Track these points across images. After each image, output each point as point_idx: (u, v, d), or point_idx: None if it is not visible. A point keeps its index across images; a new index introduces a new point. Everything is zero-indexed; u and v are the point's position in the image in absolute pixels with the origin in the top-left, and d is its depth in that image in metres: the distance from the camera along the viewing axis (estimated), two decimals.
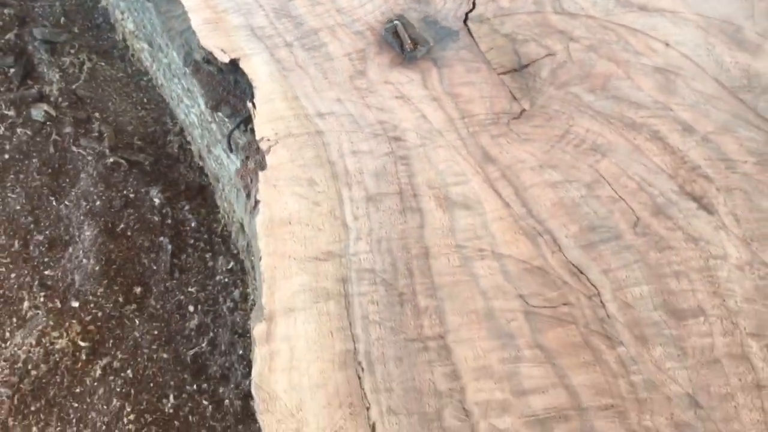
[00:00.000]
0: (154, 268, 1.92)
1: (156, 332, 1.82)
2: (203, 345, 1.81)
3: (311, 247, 0.95)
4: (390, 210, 0.99)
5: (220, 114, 1.22)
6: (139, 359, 1.77)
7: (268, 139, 1.05)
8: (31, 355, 1.73)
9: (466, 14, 1.21)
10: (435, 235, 0.97)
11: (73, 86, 2.25)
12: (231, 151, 1.19)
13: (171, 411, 1.70)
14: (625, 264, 0.94)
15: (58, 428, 1.64)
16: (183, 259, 1.95)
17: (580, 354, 0.84)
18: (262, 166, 1.03)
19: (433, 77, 1.13)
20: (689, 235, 0.96)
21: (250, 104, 1.08)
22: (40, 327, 1.77)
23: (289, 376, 0.81)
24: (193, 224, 2.01)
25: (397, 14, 1.18)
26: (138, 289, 1.87)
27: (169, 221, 2.00)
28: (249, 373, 1.77)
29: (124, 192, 2.03)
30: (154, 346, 1.79)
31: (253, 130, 1.09)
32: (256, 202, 0.99)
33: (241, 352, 1.81)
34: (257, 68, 1.12)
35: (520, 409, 0.81)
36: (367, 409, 0.79)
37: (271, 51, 1.14)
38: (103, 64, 2.33)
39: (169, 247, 1.94)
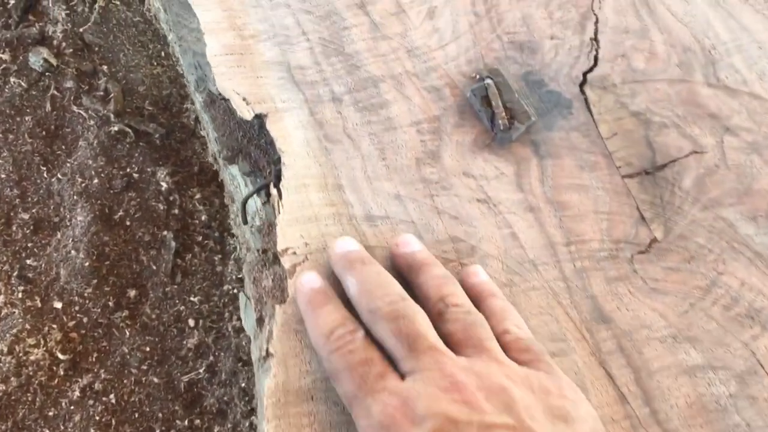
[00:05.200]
0: (154, 267, 1.65)
1: (148, 349, 1.56)
2: (201, 370, 1.56)
3: None
4: None
5: (236, 167, 0.91)
6: (125, 381, 1.52)
7: (294, 253, 0.74)
8: (1, 365, 1.49)
9: (584, 75, 0.87)
10: None
11: (81, 29, 1.92)
12: (245, 222, 0.89)
13: None
14: None
15: None
16: (188, 259, 1.68)
17: None
18: (280, 296, 0.73)
19: (531, 172, 0.81)
20: None
21: (274, 189, 0.78)
22: (14, 330, 1.52)
23: None
24: (203, 218, 1.72)
25: (490, 66, 0.85)
26: (132, 293, 1.61)
27: (176, 211, 1.71)
28: (250, 412, 1.52)
29: (128, 170, 1.73)
30: (144, 367, 1.54)
31: (268, 195, 0.79)
32: (268, 354, 0.70)
33: (243, 384, 1.56)
34: (290, 132, 0.81)
35: None
36: None
37: (312, 107, 0.82)
38: (117, 3, 1.99)
39: (173, 243, 1.67)
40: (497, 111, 0.82)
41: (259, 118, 0.81)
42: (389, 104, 0.83)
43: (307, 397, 0.66)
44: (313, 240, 0.74)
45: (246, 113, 0.81)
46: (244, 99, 0.82)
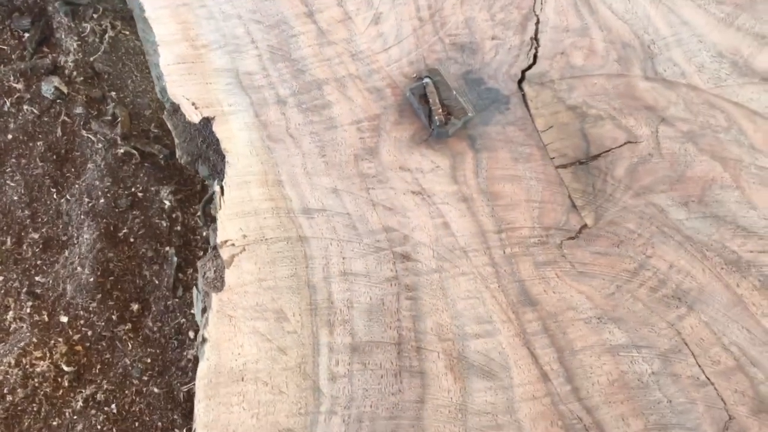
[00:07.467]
0: (156, 282, 1.71)
1: (149, 360, 1.62)
2: None
3: (266, 419, 0.70)
4: (382, 369, 0.71)
5: (197, 170, 0.96)
6: (126, 391, 1.57)
7: (233, 244, 0.78)
8: (8, 377, 1.56)
9: (523, 72, 0.90)
10: (439, 416, 0.69)
11: (91, 58, 2.01)
12: (205, 224, 0.93)
13: None
14: None
15: None
16: (189, 274, 1.73)
17: None
18: (219, 285, 0.77)
19: (466, 165, 0.84)
20: None
21: (217, 187, 0.82)
22: (22, 344, 1.59)
23: None
24: (204, 233, 1.78)
25: (431, 66, 0.88)
26: (135, 306, 1.67)
27: (178, 228, 1.78)
28: None
29: (133, 189, 1.81)
30: (146, 377, 1.60)
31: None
32: (203, 340, 0.74)
33: None
34: (235, 133, 0.85)
35: None
36: None
37: (257, 109, 0.87)
38: (127, 33, 2.08)
39: (175, 259, 1.72)
40: (434, 108, 0.85)
41: (207, 120, 0.86)
42: (331, 105, 0.87)
43: (238, 378, 0.70)
44: (252, 232, 0.78)
45: (194, 117, 0.86)
46: (193, 104, 0.87)
